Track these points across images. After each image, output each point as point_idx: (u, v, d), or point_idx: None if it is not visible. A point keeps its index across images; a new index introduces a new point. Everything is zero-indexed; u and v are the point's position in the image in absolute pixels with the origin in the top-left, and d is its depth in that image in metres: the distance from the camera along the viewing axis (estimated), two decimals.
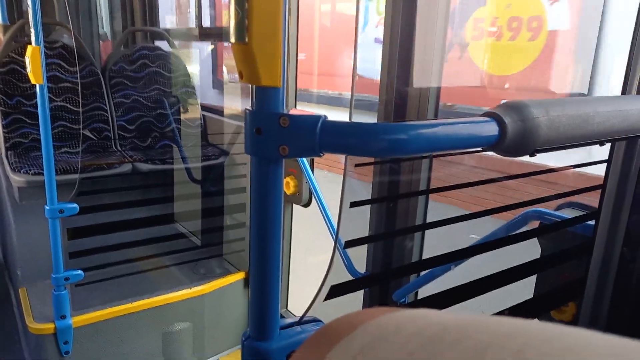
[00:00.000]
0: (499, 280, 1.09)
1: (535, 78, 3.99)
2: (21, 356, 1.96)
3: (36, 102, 1.52)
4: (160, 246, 2.28)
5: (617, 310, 1.20)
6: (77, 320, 1.72)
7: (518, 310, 1.15)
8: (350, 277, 1.49)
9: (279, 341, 0.68)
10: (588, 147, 0.81)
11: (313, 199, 1.86)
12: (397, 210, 1.74)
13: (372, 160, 1.57)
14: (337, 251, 1.02)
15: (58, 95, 2.37)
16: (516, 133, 0.65)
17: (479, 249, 1.14)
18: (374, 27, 5.30)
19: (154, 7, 3.19)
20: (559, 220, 1.29)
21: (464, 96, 4.31)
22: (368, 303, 1.74)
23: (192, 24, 2.88)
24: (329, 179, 3.91)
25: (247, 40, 0.54)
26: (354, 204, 1.14)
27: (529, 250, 1.31)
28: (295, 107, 2.03)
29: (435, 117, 1.64)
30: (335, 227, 1.47)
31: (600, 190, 1.18)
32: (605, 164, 1.17)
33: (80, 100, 2.42)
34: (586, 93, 3.64)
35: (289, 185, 1.97)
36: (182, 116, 2.75)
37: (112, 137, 2.55)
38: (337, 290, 0.81)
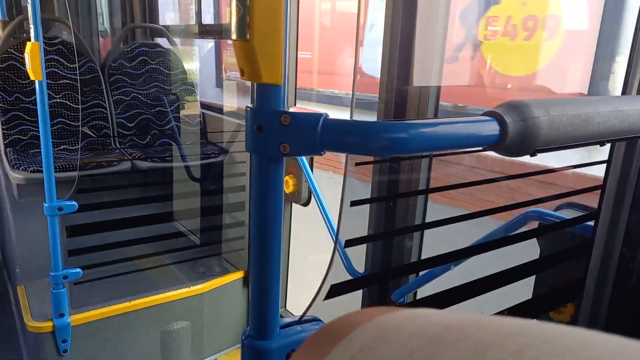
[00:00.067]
0: (498, 281, 1.09)
1: (552, 79, 3.93)
2: (19, 354, 1.96)
3: (35, 99, 1.51)
4: (159, 244, 2.27)
5: (616, 311, 1.20)
6: (76, 318, 1.71)
7: (517, 311, 1.14)
8: (349, 277, 1.48)
9: (279, 340, 0.68)
10: (588, 148, 0.81)
11: (312, 198, 1.86)
12: (397, 210, 1.74)
13: (372, 159, 1.56)
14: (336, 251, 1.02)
15: (57, 92, 2.36)
16: (517, 133, 0.65)
17: (478, 249, 1.14)
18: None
19: (154, 3, 3.18)
20: (558, 220, 1.29)
21: (474, 97, 4.26)
22: (367, 303, 1.74)
23: (193, 20, 2.88)
24: (335, 180, 3.87)
25: (248, 37, 0.54)
26: (353, 203, 1.14)
27: (528, 251, 1.31)
28: (295, 104, 2.03)
29: (435, 116, 1.64)
30: (335, 226, 1.47)
31: (599, 191, 1.18)
32: (605, 165, 1.17)
33: (79, 97, 2.41)
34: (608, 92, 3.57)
35: (288, 184, 1.97)
36: (182, 114, 2.74)
37: (111, 135, 2.54)
38: (336, 290, 0.80)
